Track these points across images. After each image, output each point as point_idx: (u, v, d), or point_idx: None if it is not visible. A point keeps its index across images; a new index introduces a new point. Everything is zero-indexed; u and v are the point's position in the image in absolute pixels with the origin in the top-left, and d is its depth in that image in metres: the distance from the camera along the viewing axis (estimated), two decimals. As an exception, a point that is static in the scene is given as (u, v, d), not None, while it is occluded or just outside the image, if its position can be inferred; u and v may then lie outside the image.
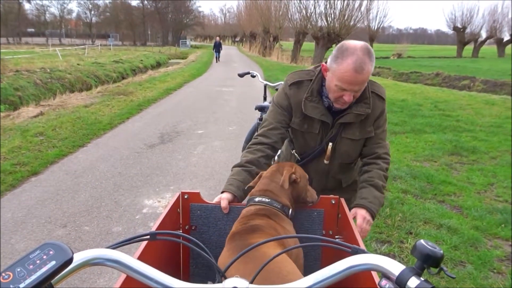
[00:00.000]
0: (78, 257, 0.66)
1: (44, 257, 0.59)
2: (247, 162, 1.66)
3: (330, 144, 1.73)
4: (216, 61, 25.98)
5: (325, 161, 1.77)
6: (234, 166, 1.67)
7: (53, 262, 0.58)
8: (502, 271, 2.86)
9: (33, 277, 0.56)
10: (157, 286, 0.67)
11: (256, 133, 1.83)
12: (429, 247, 0.64)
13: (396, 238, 3.28)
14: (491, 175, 4.92)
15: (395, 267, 0.66)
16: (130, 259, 0.68)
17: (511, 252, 3.11)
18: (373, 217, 1.60)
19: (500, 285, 2.67)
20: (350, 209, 1.61)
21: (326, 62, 1.62)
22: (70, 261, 0.60)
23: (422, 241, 0.66)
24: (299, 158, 1.87)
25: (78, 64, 16.94)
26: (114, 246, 0.75)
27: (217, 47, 26.08)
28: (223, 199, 1.49)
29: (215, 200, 1.52)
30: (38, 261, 0.58)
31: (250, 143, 1.78)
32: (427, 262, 0.64)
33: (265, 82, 4.40)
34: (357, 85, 1.52)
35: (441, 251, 0.64)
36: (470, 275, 2.75)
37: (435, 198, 4.19)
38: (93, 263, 0.67)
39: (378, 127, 1.74)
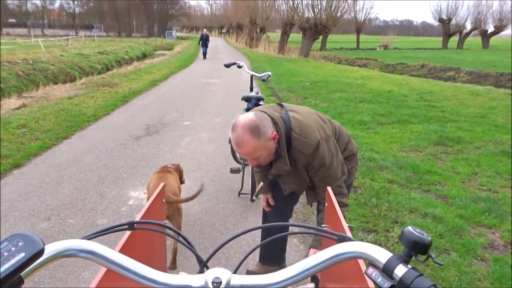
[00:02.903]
0: (50, 249, 0.62)
1: (13, 248, 0.55)
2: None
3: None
4: (203, 58, 22.10)
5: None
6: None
7: (22, 254, 0.54)
8: (486, 258, 2.90)
9: (0, 270, 0.53)
10: (135, 277, 0.64)
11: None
12: (417, 234, 0.62)
13: (382, 227, 3.30)
14: (475, 164, 4.98)
15: (382, 255, 0.64)
16: (106, 249, 0.65)
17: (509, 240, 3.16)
18: None
19: (484, 272, 2.70)
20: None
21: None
22: (41, 252, 0.56)
23: (409, 227, 0.64)
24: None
25: (61, 56, 16.56)
26: (90, 237, 0.71)
27: (204, 41, 21.94)
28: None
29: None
30: (6, 253, 0.54)
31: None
32: (415, 249, 0.62)
33: (252, 73, 4.36)
34: (245, 156, 1.68)
35: (429, 238, 0.62)
36: (454, 263, 2.78)
37: (421, 187, 4.22)
38: (66, 254, 0.63)
39: (313, 171, 1.86)
